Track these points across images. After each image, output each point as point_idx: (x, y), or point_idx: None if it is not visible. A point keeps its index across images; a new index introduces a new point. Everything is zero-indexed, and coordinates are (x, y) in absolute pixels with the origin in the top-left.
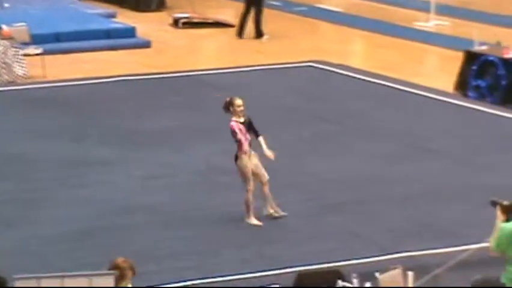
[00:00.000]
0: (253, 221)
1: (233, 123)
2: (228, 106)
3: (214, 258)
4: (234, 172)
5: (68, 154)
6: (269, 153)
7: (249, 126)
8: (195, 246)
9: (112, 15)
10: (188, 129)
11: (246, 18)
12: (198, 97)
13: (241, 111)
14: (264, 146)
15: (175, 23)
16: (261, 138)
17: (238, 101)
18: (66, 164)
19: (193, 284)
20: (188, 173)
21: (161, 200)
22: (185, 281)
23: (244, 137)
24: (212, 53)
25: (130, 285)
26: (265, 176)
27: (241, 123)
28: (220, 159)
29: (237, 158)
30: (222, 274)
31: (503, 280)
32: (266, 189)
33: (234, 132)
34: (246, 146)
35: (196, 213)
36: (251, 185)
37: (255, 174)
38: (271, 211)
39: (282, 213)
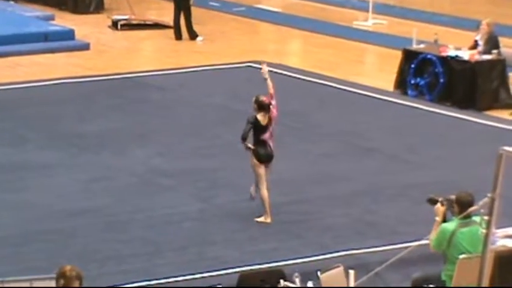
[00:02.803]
0: (265, 219)
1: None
2: (255, 103)
3: (157, 260)
4: (174, 174)
5: (7, 159)
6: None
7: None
8: (137, 248)
9: (50, 18)
10: (129, 131)
11: (178, 19)
12: (138, 99)
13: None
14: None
15: (114, 25)
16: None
17: (263, 98)
18: (5, 169)
19: (137, 286)
20: (128, 176)
21: (102, 203)
22: (128, 284)
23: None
24: (151, 54)
25: None
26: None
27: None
28: (160, 161)
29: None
30: (165, 276)
31: (444, 277)
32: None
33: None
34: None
35: (137, 215)
36: (262, 180)
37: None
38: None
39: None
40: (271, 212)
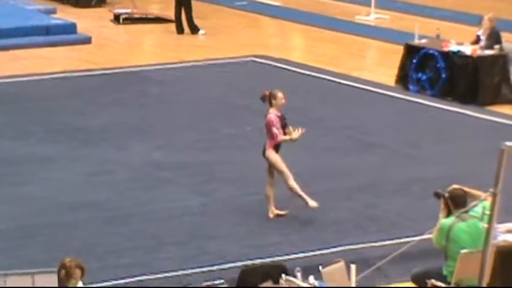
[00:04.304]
0: (312, 203)
1: (272, 116)
2: (270, 98)
3: (157, 254)
4: (174, 168)
5: (9, 152)
6: (297, 134)
7: (284, 121)
8: (137, 242)
9: (52, 11)
10: (130, 125)
11: (179, 13)
12: (139, 93)
13: (282, 104)
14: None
15: (116, 18)
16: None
17: (280, 94)
18: (7, 162)
19: (137, 280)
20: (129, 170)
21: (103, 196)
22: (128, 278)
23: (278, 131)
24: (153, 48)
25: (80, 284)
26: (287, 172)
27: (278, 116)
28: (161, 154)
29: (264, 151)
30: (166, 270)
31: (445, 272)
32: (272, 190)
33: (270, 125)
34: (277, 140)
35: (138, 209)
36: (287, 172)
37: (271, 171)
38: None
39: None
40: (304, 198)
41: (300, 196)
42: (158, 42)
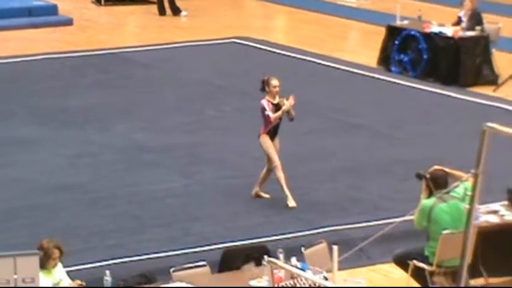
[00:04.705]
0: (291, 203)
1: (264, 101)
2: (264, 85)
3: (141, 236)
4: (158, 150)
5: None
6: (287, 104)
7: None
8: (121, 224)
9: None
10: (113, 107)
11: None
12: (122, 74)
13: (277, 92)
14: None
15: (98, 0)
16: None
17: (275, 81)
18: None
19: (121, 262)
20: (113, 152)
21: (86, 178)
22: (113, 259)
23: (271, 113)
24: (135, 30)
25: (59, 265)
26: (276, 162)
27: (273, 104)
28: (144, 137)
29: (259, 136)
30: (149, 252)
31: (426, 253)
32: (267, 174)
33: (263, 109)
34: (271, 125)
35: (121, 191)
36: (276, 161)
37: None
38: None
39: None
40: (286, 195)
41: (283, 188)
42: (140, 23)
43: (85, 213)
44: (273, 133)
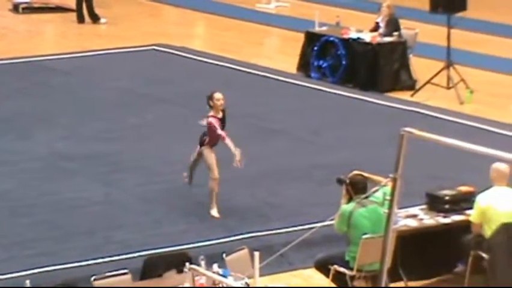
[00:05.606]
0: (214, 212)
1: (212, 120)
2: (208, 101)
3: (63, 245)
4: (78, 158)
5: None
6: (238, 154)
7: (223, 124)
8: (43, 233)
9: None
10: (33, 115)
11: (80, 2)
12: (41, 83)
13: (221, 105)
14: (232, 146)
15: (15, 8)
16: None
17: (218, 95)
18: None
19: (44, 271)
20: (32, 160)
21: (6, 187)
22: (35, 268)
23: (222, 133)
24: (54, 38)
25: None
26: (216, 176)
27: (219, 119)
28: (64, 145)
29: (202, 143)
30: (72, 260)
31: (347, 258)
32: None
33: (213, 128)
34: (224, 141)
35: (42, 200)
36: (216, 175)
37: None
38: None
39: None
40: (212, 204)
41: (211, 198)
42: (59, 31)
43: (6, 222)
44: (213, 144)
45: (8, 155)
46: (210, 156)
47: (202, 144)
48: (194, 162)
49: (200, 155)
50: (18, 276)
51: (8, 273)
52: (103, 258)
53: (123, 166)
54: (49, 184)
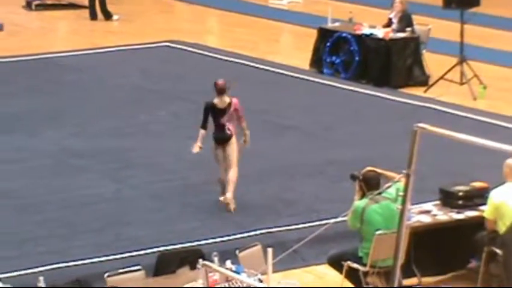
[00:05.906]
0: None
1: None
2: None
3: (73, 242)
4: (89, 155)
5: None
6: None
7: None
8: (54, 230)
9: None
10: (44, 112)
11: None
12: (53, 80)
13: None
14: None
15: (28, 5)
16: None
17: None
18: None
19: (55, 268)
20: (42, 157)
21: (16, 184)
22: (46, 265)
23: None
24: (66, 35)
25: None
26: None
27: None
28: (74, 142)
29: (231, 136)
30: (83, 257)
31: (360, 254)
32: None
33: (241, 108)
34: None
35: (53, 197)
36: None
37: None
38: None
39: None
40: (227, 193)
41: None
42: (71, 28)
43: (16, 220)
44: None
45: (18, 152)
46: (214, 150)
47: (226, 139)
48: (219, 163)
49: (223, 150)
50: (30, 273)
51: (19, 270)
52: (114, 254)
53: (134, 163)
54: (60, 181)
